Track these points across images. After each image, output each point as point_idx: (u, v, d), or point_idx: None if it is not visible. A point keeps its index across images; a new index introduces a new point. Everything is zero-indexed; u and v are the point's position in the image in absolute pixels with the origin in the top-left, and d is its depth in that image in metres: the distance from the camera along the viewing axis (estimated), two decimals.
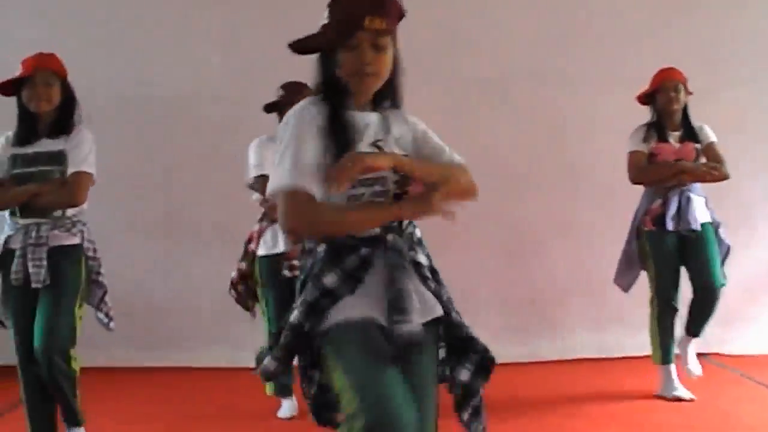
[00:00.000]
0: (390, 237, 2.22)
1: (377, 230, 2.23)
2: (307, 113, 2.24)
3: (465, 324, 2.29)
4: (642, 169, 4.92)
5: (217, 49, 6.13)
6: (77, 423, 3.92)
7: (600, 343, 6.07)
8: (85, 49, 5.73)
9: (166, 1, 6.14)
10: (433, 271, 2.32)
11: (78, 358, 3.85)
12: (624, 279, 5.14)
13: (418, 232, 2.33)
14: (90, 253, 3.92)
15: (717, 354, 6.07)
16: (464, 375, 2.29)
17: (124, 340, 5.48)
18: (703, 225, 4.91)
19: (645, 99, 5.06)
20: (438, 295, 2.27)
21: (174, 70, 6.10)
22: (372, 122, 2.29)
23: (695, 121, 5.00)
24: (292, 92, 4.36)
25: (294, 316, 2.20)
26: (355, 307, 2.17)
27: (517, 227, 6.08)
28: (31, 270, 3.69)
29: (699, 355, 5.29)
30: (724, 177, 4.86)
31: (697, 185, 4.96)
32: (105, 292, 4.01)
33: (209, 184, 5.97)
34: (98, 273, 3.97)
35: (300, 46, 2.29)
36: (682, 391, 4.95)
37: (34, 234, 3.73)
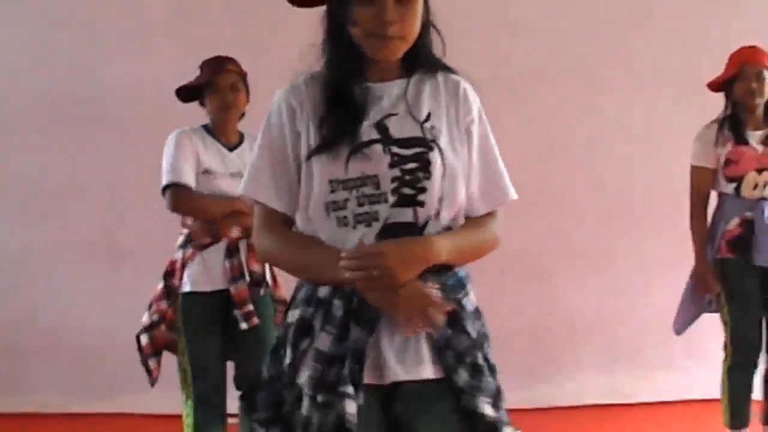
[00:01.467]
0: None
1: None
2: (292, 95, 1.92)
3: (471, 392, 1.88)
4: (695, 208, 4.36)
5: (164, 52, 5.67)
6: None
7: (612, 387, 5.67)
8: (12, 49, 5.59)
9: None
10: (453, 314, 1.89)
11: None
12: (680, 318, 4.58)
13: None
14: None
15: None
16: None
17: (51, 382, 5.20)
18: None
19: (719, 86, 4.37)
20: (446, 347, 1.88)
21: (117, 71, 5.64)
22: (390, 94, 1.89)
23: None
24: (214, 70, 3.79)
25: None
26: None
27: (514, 253, 5.35)
28: None
29: (712, 401, 4.89)
30: None
31: None
32: None
33: (158, 200, 5.09)
34: None
35: None
36: None
37: None
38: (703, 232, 4.39)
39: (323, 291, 1.90)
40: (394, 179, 1.83)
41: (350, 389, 1.83)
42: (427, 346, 1.89)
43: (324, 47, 1.96)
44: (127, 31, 5.75)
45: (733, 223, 4.28)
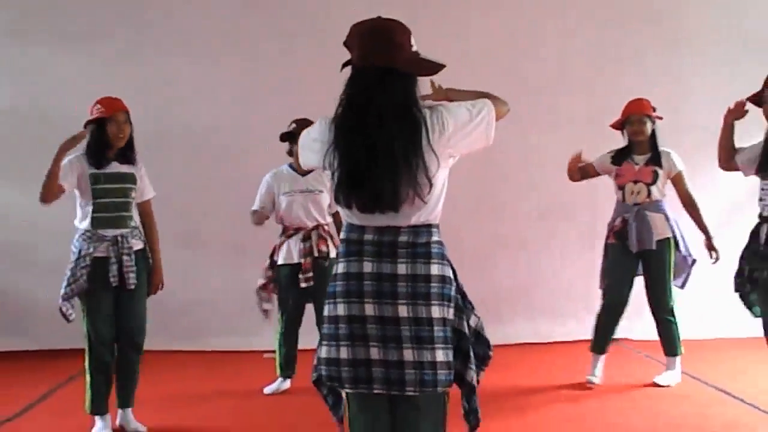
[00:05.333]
0: None
1: None
2: None
3: None
4: (570, 173, 5.02)
5: (230, 92, 6.39)
6: (130, 404, 4.24)
7: (534, 331, 6.39)
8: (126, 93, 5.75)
9: (193, 54, 6.39)
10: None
11: None
12: (602, 283, 5.14)
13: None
14: (147, 253, 4.22)
15: (626, 339, 6.36)
16: None
17: (156, 329, 5.47)
18: (659, 242, 4.87)
19: (618, 126, 4.98)
20: None
21: (197, 110, 6.33)
22: None
23: (665, 146, 4.94)
24: (302, 126, 4.60)
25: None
26: None
27: (469, 243, 6.23)
28: (128, 275, 4.00)
29: (613, 340, 5.32)
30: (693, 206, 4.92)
31: (658, 202, 4.90)
32: None
33: (223, 206, 6.23)
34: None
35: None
36: (597, 377, 5.09)
37: (124, 244, 4.03)
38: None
39: None
40: None
41: None
42: None
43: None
44: (197, 89, 6.37)
45: (618, 221, 4.97)
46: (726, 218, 6.53)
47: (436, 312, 2.21)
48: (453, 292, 2.27)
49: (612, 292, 5.06)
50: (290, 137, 4.77)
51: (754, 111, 3.96)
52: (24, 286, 6.39)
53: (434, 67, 2.31)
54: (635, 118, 4.92)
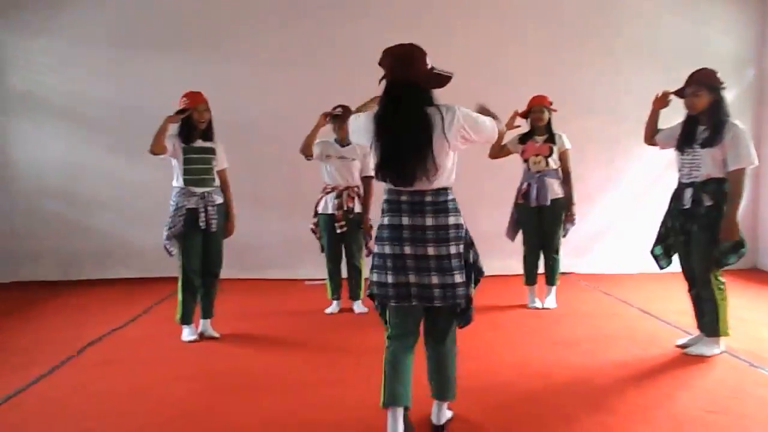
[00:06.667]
0: None
1: None
2: None
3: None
4: (493, 149, 4.90)
5: (280, 92, 6.24)
6: (210, 315, 4.25)
7: (502, 267, 6.24)
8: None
9: (253, 63, 6.24)
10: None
11: None
12: (510, 233, 5.09)
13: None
14: (224, 207, 4.20)
15: (573, 273, 6.38)
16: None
17: (228, 262, 5.39)
18: (554, 201, 4.79)
19: (524, 115, 4.84)
20: None
21: (258, 104, 6.23)
22: None
23: (558, 130, 4.85)
24: (346, 111, 4.42)
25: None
26: None
27: (462, 200, 6.08)
28: (212, 221, 4.03)
29: (563, 274, 5.30)
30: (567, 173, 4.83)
31: (553, 170, 4.80)
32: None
33: (278, 174, 6.23)
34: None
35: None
36: (537, 303, 5.01)
37: (210, 198, 4.05)
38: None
39: None
40: None
41: None
42: None
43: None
44: (256, 86, 6.21)
45: (524, 185, 4.86)
46: (648, 183, 6.54)
47: (453, 249, 2.33)
48: (463, 234, 2.38)
49: (530, 240, 4.97)
50: (335, 118, 4.63)
51: (676, 101, 3.84)
52: (127, 230, 6.38)
53: (444, 80, 2.32)
54: (536, 108, 4.81)
